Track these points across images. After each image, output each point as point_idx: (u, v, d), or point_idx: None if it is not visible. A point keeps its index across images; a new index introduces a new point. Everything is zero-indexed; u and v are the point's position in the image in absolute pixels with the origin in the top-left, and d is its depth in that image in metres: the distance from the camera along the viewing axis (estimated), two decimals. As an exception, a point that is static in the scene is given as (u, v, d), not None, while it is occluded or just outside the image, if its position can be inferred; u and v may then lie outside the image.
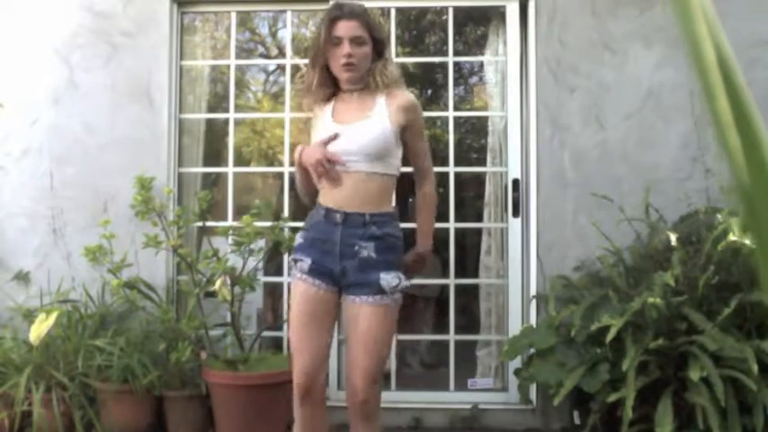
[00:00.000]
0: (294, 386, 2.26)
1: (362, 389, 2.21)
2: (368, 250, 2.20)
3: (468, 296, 4.36)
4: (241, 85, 5.77)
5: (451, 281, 3.88)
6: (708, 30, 0.29)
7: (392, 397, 3.56)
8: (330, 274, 2.23)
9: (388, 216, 2.27)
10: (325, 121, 2.29)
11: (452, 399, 3.77)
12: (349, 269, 2.20)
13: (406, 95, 2.33)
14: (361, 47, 2.25)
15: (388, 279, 2.19)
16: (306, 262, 2.23)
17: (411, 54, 6.21)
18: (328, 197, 2.23)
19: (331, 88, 2.33)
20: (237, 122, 4.52)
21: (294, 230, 3.60)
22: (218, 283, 3.37)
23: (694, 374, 2.71)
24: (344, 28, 2.24)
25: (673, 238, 3.19)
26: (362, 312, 2.20)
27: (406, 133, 2.30)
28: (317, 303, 2.23)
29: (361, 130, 2.22)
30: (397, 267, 2.24)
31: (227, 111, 4.12)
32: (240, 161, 5.15)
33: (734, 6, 3.50)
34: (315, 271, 2.22)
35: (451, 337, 3.85)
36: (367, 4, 4.88)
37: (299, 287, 2.25)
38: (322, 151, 2.16)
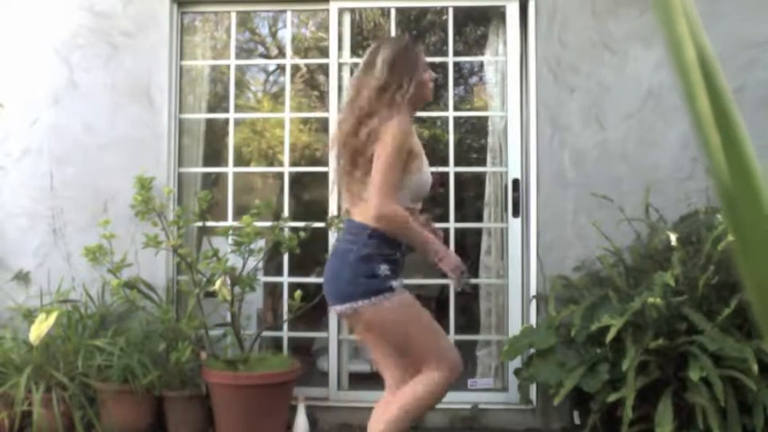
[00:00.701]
0: (453, 373, 2.37)
1: None
2: None
3: (468, 296, 4.36)
4: (241, 85, 5.78)
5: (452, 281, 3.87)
6: (689, 30, 0.29)
7: (392, 397, 3.56)
8: None
9: None
10: (420, 149, 2.40)
11: (452, 399, 3.74)
12: None
13: None
14: None
15: None
16: (401, 281, 2.41)
17: (411, 54, 6.19)
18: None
19: None
20: (237, 122, 4.52)
21: (294, 230, 3.61)
22: (218, 283, 3.37)
23: (694, 374, 2.71)
24: (425, 58, 2.52)
25: (673, 238, 3.19)
26: None
27: None
28: None
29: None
30: None
31: (227, 111, 4.12)
32: (240, 161, 5.15)
33: (731, 8, 3.50)
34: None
35: (451, 336, 3.83)
36: (367, 5, 4.88)
37: (409, 298, 2.40)
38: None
